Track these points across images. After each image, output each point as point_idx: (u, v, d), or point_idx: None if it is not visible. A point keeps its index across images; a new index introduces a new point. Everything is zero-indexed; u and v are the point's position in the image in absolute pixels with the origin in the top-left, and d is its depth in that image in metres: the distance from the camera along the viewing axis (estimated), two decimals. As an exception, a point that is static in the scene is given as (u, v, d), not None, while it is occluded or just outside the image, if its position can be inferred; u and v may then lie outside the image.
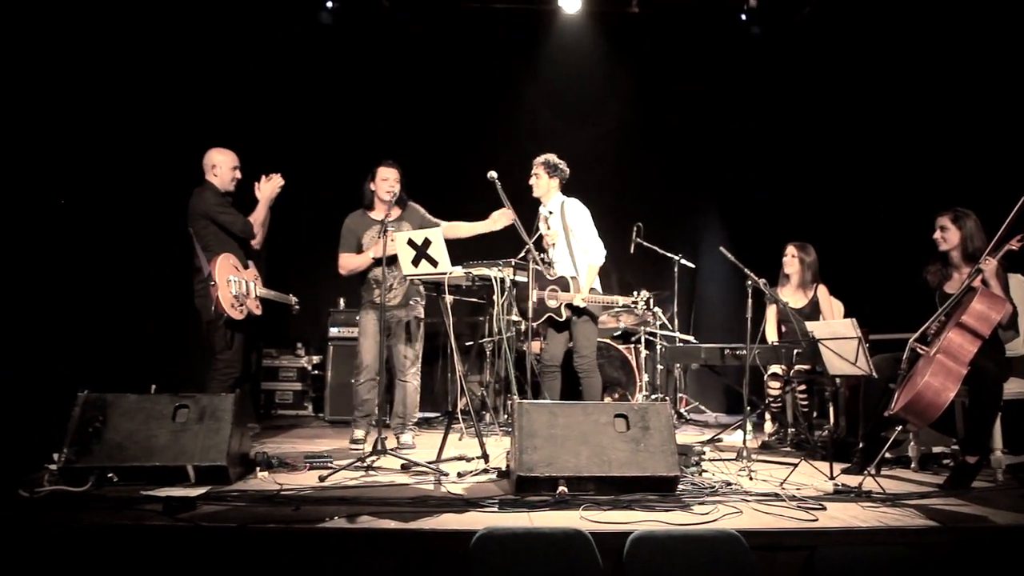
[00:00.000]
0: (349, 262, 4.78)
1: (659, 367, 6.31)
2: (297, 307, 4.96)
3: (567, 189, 5.03)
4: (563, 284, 4.72)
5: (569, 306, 4.73)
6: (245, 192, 4.74)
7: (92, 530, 2.70)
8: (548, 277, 4.72)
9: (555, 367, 4.88)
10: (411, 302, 4.81)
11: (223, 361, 4.46)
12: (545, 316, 4.75)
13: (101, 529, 2.71)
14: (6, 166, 4.54)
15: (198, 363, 4.98)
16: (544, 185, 4.91)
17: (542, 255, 4.70)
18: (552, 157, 4.93)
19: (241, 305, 4.40)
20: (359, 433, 4.71)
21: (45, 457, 3.37)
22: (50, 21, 4.86)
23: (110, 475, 3.27)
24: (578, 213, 4.88)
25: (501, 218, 4.72)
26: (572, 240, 4.86)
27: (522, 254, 4.38)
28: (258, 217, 4.66)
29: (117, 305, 5.32)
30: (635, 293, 4.72)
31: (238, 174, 4.66)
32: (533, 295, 4.38)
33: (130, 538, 2.69)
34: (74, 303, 4.92)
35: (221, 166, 4.59)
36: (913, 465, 4.12)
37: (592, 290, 4.82)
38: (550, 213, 4.92)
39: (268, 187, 4.68)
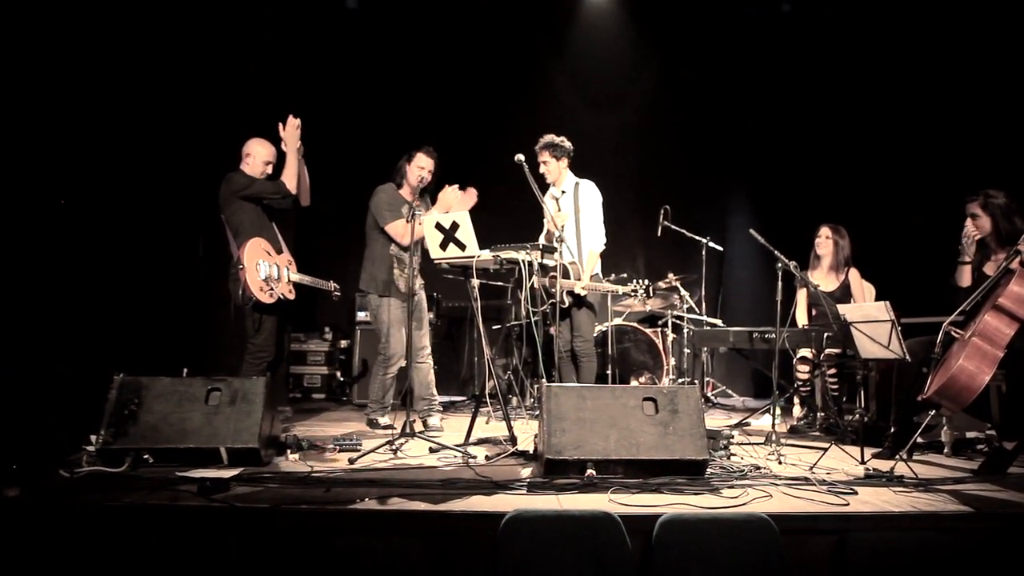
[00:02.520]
0: (406, 230, 4.40)
1: (686, 350, 6.28)
2: (338, 293, 4.97)
3: (589, 173, 4.99)
4: (563, 271, 4.68)
5: (570, 293, 4.68)
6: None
7: (130, 509, 2.76)
8: (548, 264, 4.67)
9: (567, 353, 4.87)
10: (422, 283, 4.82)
11: (255, 345, 4.52)
12: (548, 303, 4.71)
13: (139, 509, 2.77)
14: (51, 159, 4.63)
15: (227, 348, 5.07)
16: (555, 169, 4.88)
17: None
18: (552, 137, 4.88)
19: (271, 289, 4.43)
20: (384, 419, 4.75)
21: (83, 439, 3.46)
22: (68, 11, 4.91)
23: (146, 456, 3.34)
24: (591, 195, 4.86)
25: (446, 197, 4.56)
26: (581, 222, 4.82)
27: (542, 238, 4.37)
28: (289, 170, 4.56)
29: (149, 292, 5.42)
30: (635, 281, 4.68)
31: (269, 169, 4.68)
32: (559, 281, 4.35)
33: (167, 518, 2.75)
34: (108, 291, 5.02)
35: (256, 156, 4.62)
36: (946, 450, 4.06)
37: (593, 276, 4.79)
38: (562, 193, 4.90)
39: (289, 135, 4.55)
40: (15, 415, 3.48)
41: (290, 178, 4.58)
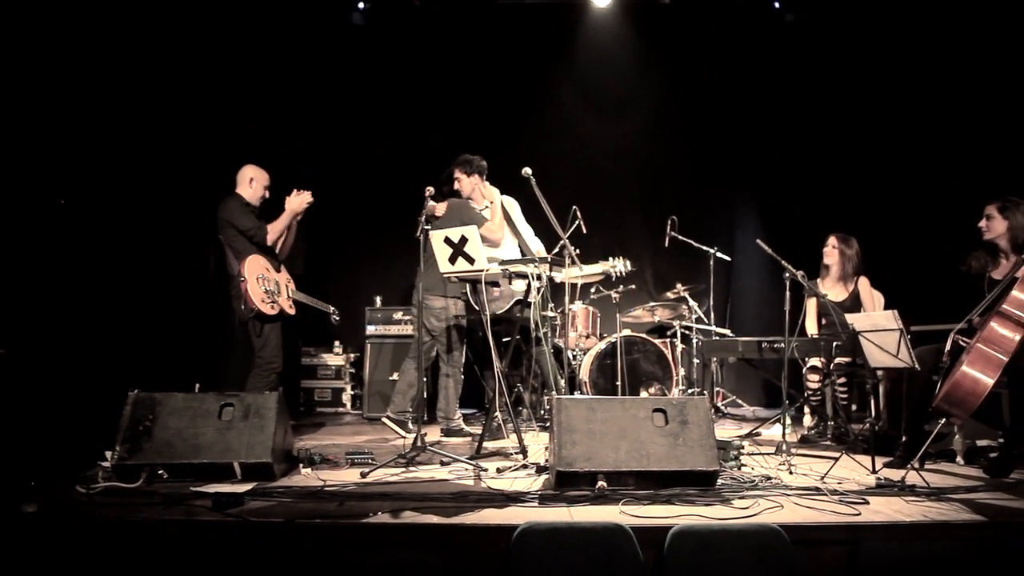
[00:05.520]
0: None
1: (695, 361, 6.28)
2: (336, 318, 5.04)
3: (594, 182, 5.08)
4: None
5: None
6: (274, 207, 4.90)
7: (146, 525, 2.79)
8: (556, 277, 4.72)
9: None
10: None
11: (263, 358, 4.60)
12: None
13: (155, 524, 2.80)
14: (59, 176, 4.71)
15: (239, 363, 5.11)
16: (468, 185, 5.08)
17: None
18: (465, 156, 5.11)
19: (272, 301, 4.55)
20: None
21: (98, 454, 3.50)
22: (98, 25, 5.00)
23: (160, 471, 3.38)
24: (516, 206, 5.06)
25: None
26: (520, 231, 5.02)
27: (556, 249, 4.40)
28: (277, 226, 4.76)
29: (162, 307, 5.46)
30: (610, 258, 4.74)
31: (267, 193, 4.83)
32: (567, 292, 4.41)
33: (182, 532, 2.78)
34: (122, 307, 5.07)
35: (258, 181, 4.78)
36: (958, 459, 4.05)
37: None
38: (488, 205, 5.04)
39: (296, 200, 4.79)
40: (32, 431, 3.52)
41: (275, 233, 4.75)
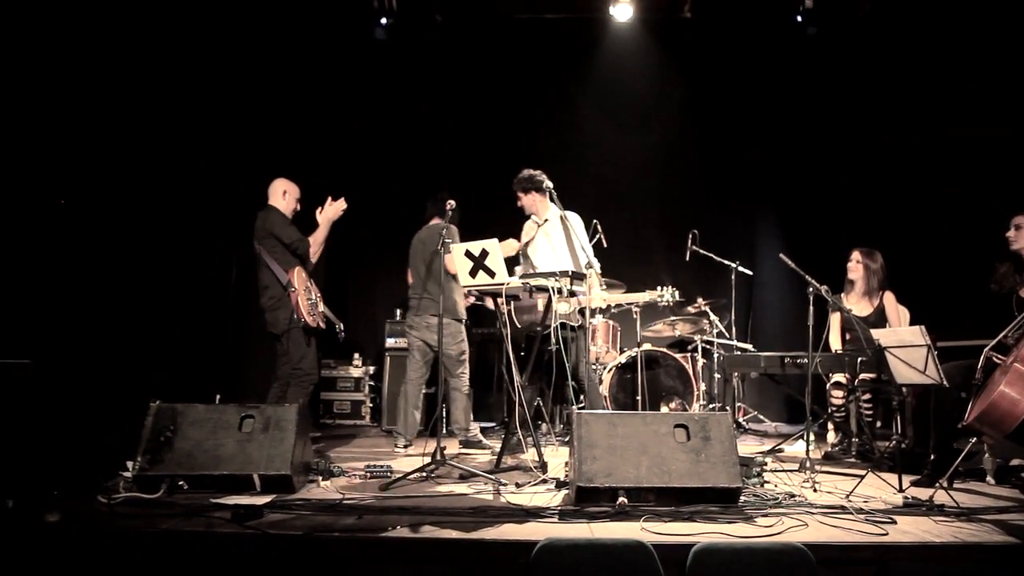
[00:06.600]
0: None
1: (716, 376, 6.22)
2: (343, 334, 5.04)
3: (615, 196, 5.03)
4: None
5: (582, 312, 4.71)
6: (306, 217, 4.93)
7: (166, 536, 2.80)
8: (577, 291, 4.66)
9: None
10: None
11: (302, 370, 4.62)
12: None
13: (175, 535, 2.80)
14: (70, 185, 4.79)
15: (261, 373, 5.13)
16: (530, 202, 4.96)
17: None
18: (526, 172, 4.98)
19: (314, 313, 4.60)
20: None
21: (119, 465, 3.52)
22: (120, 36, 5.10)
23: (180, 483, 3.39)
24: (579, 222, 4.96)
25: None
26: (575, 247, 4.89)
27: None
28: (317, 238, 4.82)
29: (184, 318, 5.51)
30: (659, 288, 4.69)
31: (299, 206, 4.88)
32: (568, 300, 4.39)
33: (202, 544, 2.78)
34: (144, 318, 5.13)
35: (291, 194, 4.82)
36: (988, 478, 3.95)
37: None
38: (545, 221, 4.95)
39: (331, 210, 4.84)
40: (55, 442, 3.55)
41: (317, 246, 4.81)
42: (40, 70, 4.63)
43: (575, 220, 4.88)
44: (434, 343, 4.92)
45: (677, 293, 4.68)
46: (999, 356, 3.59)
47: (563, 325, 4.56)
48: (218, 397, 3.83)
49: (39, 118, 4.63)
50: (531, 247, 4.94)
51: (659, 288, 4.68)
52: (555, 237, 4.86)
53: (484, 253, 4.01)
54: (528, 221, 5.02)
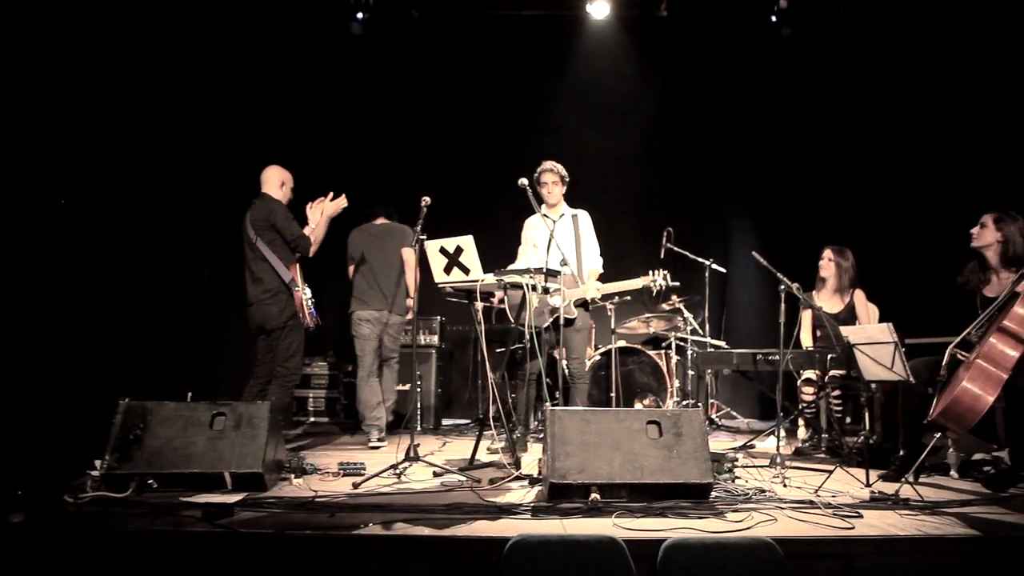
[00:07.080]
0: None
1: (690, 372, 6.27)
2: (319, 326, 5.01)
3: (590, 195, 5.05)
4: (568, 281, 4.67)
5: (580, 304, 4.73)
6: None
7: (134, 535, 2.76)
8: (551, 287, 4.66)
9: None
10: None
11: (288, 369, 4.55)
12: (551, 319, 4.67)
13: (143, 535, 2.77)
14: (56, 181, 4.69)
15: (235, 371, 5.08)
16: (558, 194, 4.93)
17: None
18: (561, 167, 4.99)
19: (312, 315, 4.58)
20: None
21: (87, 463, 3.46)
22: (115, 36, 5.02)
23: (150, 481, 3.35)
24: (589, 223, 5.02)
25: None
26: (582, 247, 4.93)
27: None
28: (318, 234, 4.68)
29: (155, 315, 5.44)
30: (651, 272, 4.71)
31: (291, 195, 4.78)
32: (563, 292, 4.40)
33: (171, 543, 2.75)
34: (113, 314, 5.05)
35: (287, 183, 4.72)
36: (952, 472, 4.04)
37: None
38: (560, 216, 4.92)
39: (331, 206, 4.72)
40: (20, 440, 3.49)
41: (316, 244, 4.69)
42: (39, 70, 4.53)
43: (584, 217, 4.98)
44: (383, 335, 5.17)
45: (669, 276, 4.69)
46: (963, 353, 3.67)
47: (557, 320, 4.58)
48: (189, 395, 3.78)
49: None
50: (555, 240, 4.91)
51: (651, 272, 4.68)
52: (564, 235, 4.84)
53: (459, 249, 4.00)
54: (534, 217, 4.98)
